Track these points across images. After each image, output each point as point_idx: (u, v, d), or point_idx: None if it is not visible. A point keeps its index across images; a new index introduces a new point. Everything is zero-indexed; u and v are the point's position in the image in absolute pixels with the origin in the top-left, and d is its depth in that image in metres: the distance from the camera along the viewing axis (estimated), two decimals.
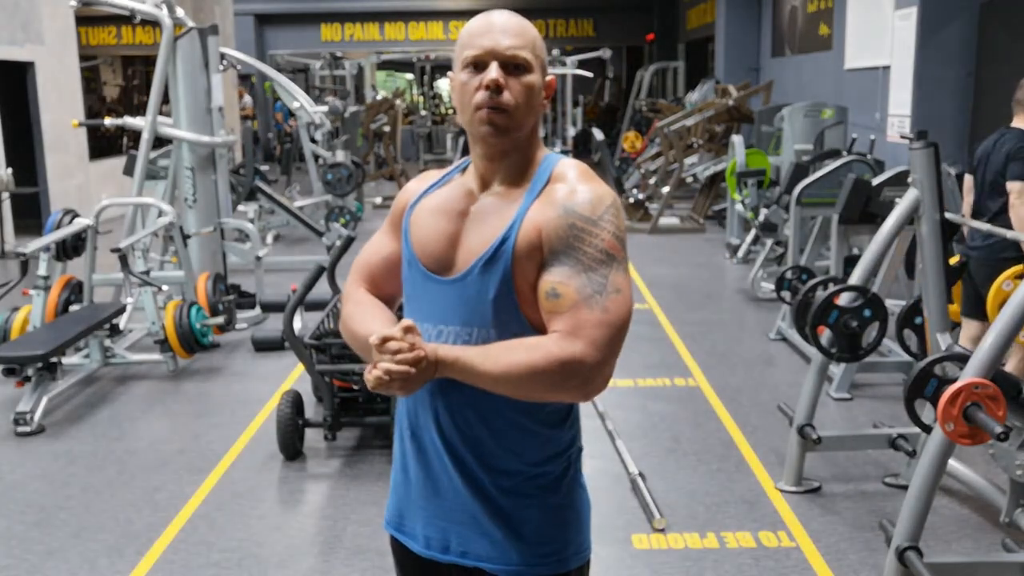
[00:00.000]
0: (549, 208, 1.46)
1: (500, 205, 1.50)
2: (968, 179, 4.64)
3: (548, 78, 1.52)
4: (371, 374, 1.39)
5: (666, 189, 10.55)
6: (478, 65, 1.45)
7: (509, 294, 1.46)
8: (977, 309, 4.29)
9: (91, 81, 18.44)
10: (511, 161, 1.51)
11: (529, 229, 1.45)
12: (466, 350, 1.42)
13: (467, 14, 20.61)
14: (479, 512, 1.53)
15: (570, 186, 1.48)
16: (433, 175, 1.64)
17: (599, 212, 1.45)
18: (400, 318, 1.50)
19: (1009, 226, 4.05)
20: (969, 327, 4.42)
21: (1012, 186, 4.10)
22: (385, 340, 1.39)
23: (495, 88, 1.43)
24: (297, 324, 5.23)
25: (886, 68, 8.69)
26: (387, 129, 13.20)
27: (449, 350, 1.42)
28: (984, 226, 3.84)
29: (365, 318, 1.58)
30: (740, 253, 8.41)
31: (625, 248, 1.47)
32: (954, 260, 4.33)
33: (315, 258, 7.46)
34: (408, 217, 1.59)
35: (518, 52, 1.45)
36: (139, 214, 6.39)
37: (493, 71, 1.44)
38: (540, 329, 1.46)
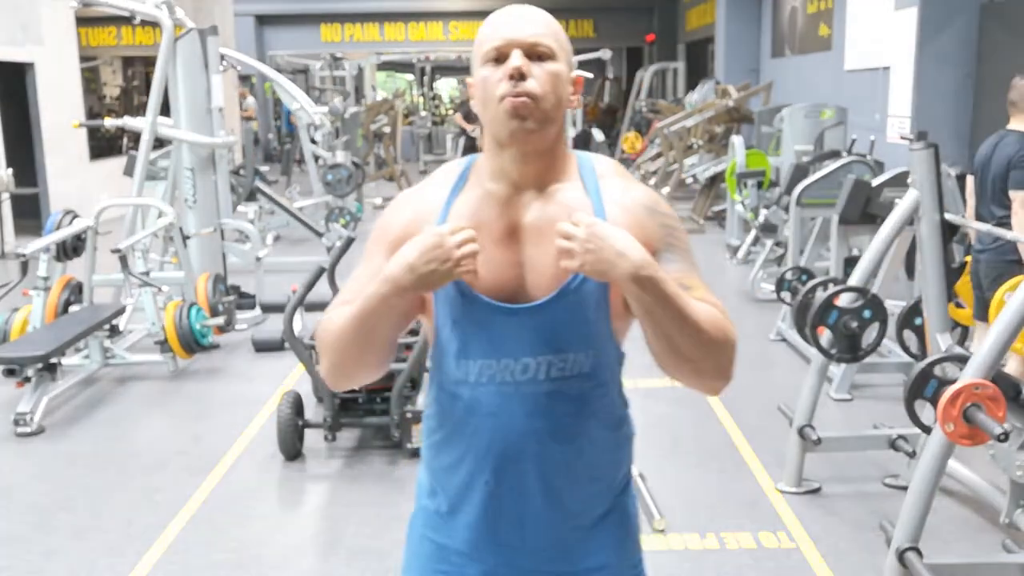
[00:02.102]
0: (630, 212, 1.39)
1: (562, 212, 1.36)
2: (970, 181, 4.61)
3: (575, 74, 1.42)
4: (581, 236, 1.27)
5: (666, 190, 10.55)
6: (499, 58, 1.36)
7: (606, 307, 1.39)
8: (987, 312, 4.27)
9: (91, 82, 18.44)
10: (547, 162, 1.40)
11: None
12: (662, 275, 1.31)
13: (467, 15, 20.66)
14: (573, 549, 1.47)
15: (627, 184, 1.43)
16: (419, 197, 1.45)
17: (669, 208, 1.44)
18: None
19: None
20: (983, 330, 4.40)
21: (1016, 195, 4.07)
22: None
23: (519, 75, 1.33)
24: (297, 325, 5.24)
25: (886, 69, 8.70)
26: (387, 130, 13.21)
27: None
28: (984, 227, 3.84)
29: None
30: (740, 254, 8.41)
31: None
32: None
33: (315, 259, 7.45)
34: None
35: (540, 40, 1.36)
36: (139, 215, 6.39)
37: (516, 58, 1.34)
38: (620, 345, 1.45)
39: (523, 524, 1.44)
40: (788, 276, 5.25)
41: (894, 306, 4.65)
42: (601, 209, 1.38)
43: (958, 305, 4.06)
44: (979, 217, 4.39)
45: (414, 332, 4.24)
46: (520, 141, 1.36)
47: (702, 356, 1.35)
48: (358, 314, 1.35)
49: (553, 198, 1.40)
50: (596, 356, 1.41)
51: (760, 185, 7.98)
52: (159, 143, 6.58)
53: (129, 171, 6.64)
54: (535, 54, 1.36)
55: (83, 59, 12.23)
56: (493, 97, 1.35)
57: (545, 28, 1.38)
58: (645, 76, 17.02)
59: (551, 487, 1.42)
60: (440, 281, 1.30)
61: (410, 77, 24.61)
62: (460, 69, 23.46)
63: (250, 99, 17.83)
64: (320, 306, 4.94)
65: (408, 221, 1.42)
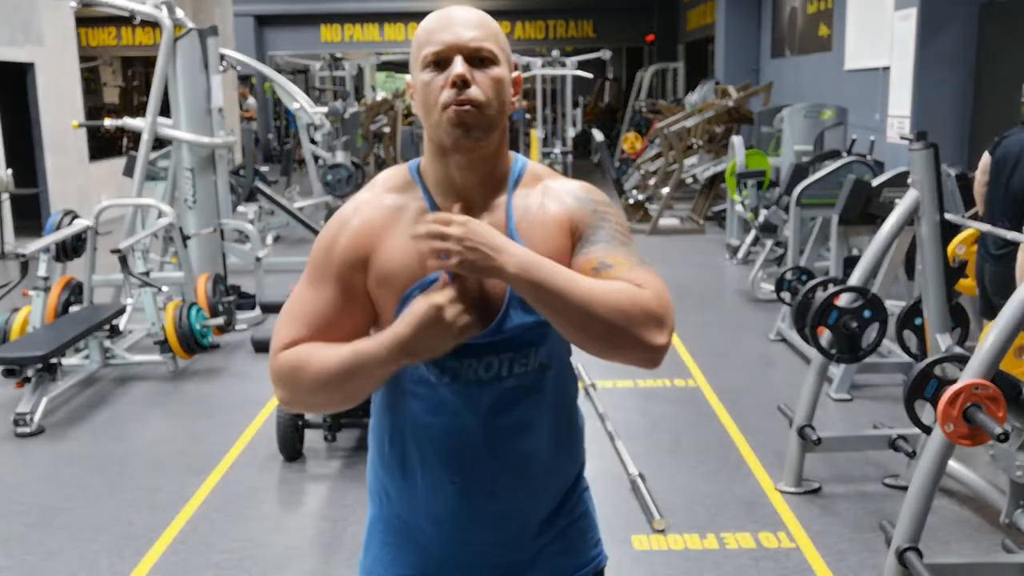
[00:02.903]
0: (562, 203, 1.40)
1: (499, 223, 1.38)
2: (985, 158, 4.40)
3: (515, 74, 1.40)
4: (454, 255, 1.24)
5: (666, 190, 10.55)
6: (440, 63, 1.33)
7: None
8: (992, 312, 4.25)
9: (91, 82, 18.45)
10: (491, 166, 1.40)
11: (554, 231, 1.38)
12: (545, 261, 1.29)
13: None
14: (539, 541, 1.49)
15: (560, 182, 1.45)
16: (361, 214, 1.42)
17: (604, 197, 1.45)
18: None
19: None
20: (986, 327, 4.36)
21: None
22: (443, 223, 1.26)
23: (462, 83, 1.31)
24: None
25: (886, 69, 8.70)
26: (387, 130, 13.21)
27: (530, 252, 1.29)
28: (984, 227, 3.84)
29: (331, 348, 1.35)
30: (740, 254, 8.41)
31: None
32: (967, 236, 4.20)
33: None
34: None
35: (482, 44, 1.33)
36: (139, 215, 6.39)
37: (458, 65, 1.31)
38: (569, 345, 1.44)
39: (491, 519, 1.44)
40: (788, 276, 5.25)
41: (894, 306, 4.65)
42: (511, 219, 1.39)
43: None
44: (990, 211, 4.27)
45: None
46: (465, 149, 1.35)
47: (608, 331, 1.29)
48: (345, 372, 1.32)
49: (500, 208, 1.40)
50: (552, 347, 1.41)
51: (760, 185, 7.98)
52: (159, 143, 6.57)
53: (129, 171, 6.63)
54: (477, 59, 1.34)
55: (83, 59, 12.24)
56: (435, 104, 1.33)
57: (486, 32, 1.35)
58: (645, 76, 17.04)
59: (517, 481, 1.43)
60: (444, 350, 1.30)
61: (410, 77, 24.61)
62: None
63: (250, 99, 17.84)
64: None
65: (356, 239, 1.40)
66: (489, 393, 1.38)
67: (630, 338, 1.30)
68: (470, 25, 1.35)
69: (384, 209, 1.41)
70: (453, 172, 1.39)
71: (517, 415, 1.40)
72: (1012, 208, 4.12)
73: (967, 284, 4.13)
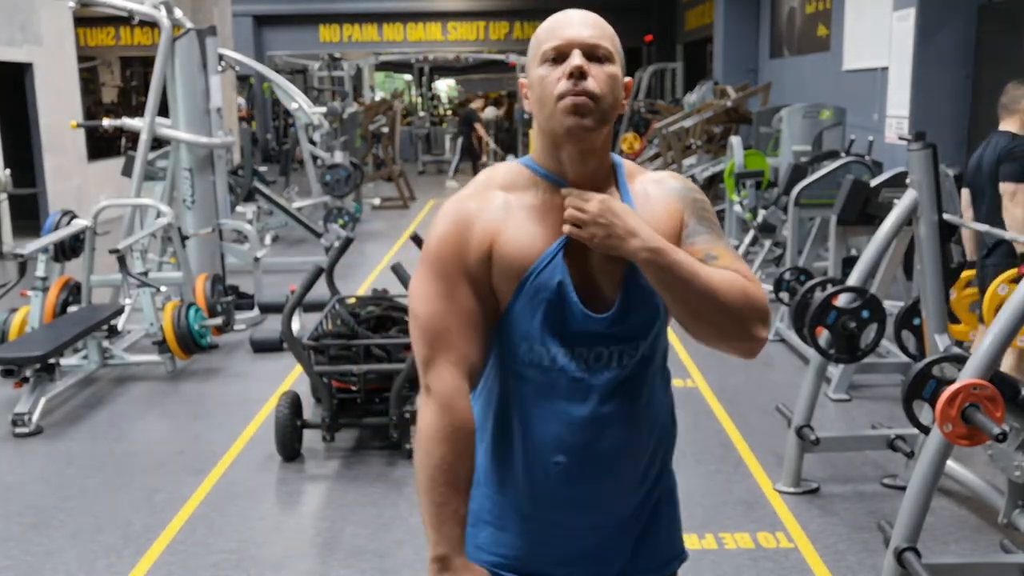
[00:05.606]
0: (666, 197, 1.48)
1: None
2: (965, 194, 4.55)
3: (626, 79, 1.46)
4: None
5: None
6: (558, 58, 1.39)
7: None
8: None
9: (89, 82, 18.44)
10: (600, 160, 1.45)
11: (664, 217, 1.45)
12: (671, 247, 1.38)
13: (465, 15, 20.67)
14: (635, 527, 1.56)
15: (657, 175, 1.52)
16: (479, 201, 1.44)
17: (694, 185, 1.52)
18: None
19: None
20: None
21: (1004, 187, 4.06)
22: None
23: (579, 74, 1.37)
24: (295, 325, 5.24)
25: (884, 69, 8.70)
26: (386, 130, 13.20)
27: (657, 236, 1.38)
28: (983, 227, 3.84)
29: (444, 497, 1.39)
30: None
31: None
32: (1009, 275, 4.25)
33: (313, 259, 7.45)
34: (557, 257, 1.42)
35: (599, 41, 1.40)
36: (137, 215, 6.38)
37: (576, 57, 1.38)
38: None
39: (590, 502, 1.50)
40: (787, 276, 5.25)
41: (892, 306, 4.65)
42: (631, 205, 1.45)
43: (953, 320, 4.04)
44: (983, 219, 4.33)
45: None
46: (576, 138, 1.39)
47: (723, 320, 1.40)
48: (425, 503, 1.41)
49: (616, 197, 1.45)
50: (655, 340, 1.48)
51: (758, 185, 7.97)
52: (157, 143, 6.57)
53: (127, 171, 6.63)
54: (594, 55, 1.39)
55: (81, 59, 12.23)
56: (551, 95, 1.39)
57: (603, 32, 1.42)
58: (643, 76, 17.02)
59: (617, 466, 1.49)
60: None
61: (408, 77, 24.62)
62: (458, 69, 23.46)
63: (240, 99, 17.79)
64: (318, 306, 4.93)
65: (478, 234, 1.42)
66: (597, 381, 1.44)
67: (741, 329, 1.41)
68: (588, 24, 1.42)
69: (495, 203, 1.44)
70: (566, 166, 1.44)
71: (621, 403, 1.45)
72: (992, 199, 4.18)
73: (960, 330, 4.16)
